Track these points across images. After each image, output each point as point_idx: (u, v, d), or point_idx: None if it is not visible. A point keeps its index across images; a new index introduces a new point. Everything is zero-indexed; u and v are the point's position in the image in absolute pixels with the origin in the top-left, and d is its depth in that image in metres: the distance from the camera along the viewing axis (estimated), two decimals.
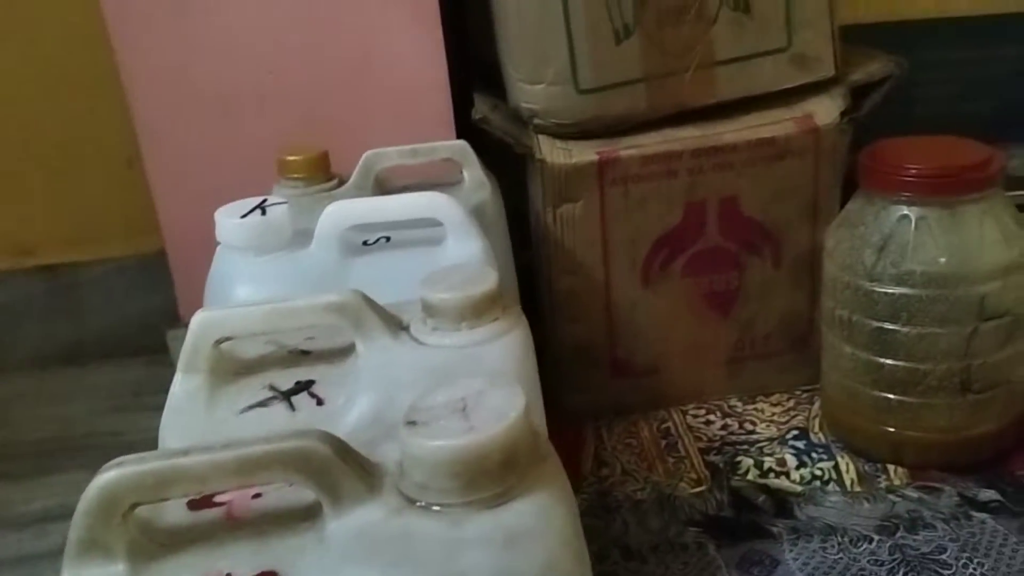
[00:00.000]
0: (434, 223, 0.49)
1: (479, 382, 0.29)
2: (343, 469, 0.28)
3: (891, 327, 0.56)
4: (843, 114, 0.62)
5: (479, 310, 0.38)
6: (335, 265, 0.49)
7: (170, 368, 0.38)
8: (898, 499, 0.54)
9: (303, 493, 0.30)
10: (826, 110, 0.62)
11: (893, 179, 0.56)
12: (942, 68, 0.82)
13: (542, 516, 0.27)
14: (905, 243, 0.55)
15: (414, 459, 0.27)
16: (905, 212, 0.55)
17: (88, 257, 0.84)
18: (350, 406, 0.36)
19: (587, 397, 0.67)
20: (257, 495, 0.31)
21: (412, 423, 0.28)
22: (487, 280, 0.38)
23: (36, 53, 0.80)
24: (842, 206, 0.61)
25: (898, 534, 0.50)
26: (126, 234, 0.82)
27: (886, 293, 0.56)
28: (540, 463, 0.29)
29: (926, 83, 0.82)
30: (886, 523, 0.51)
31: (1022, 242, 0.56)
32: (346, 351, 0.39)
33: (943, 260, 0.54)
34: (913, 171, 0.55)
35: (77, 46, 0.78)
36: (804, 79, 0.62)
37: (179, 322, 0.72)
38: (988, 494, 0.53)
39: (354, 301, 0.38)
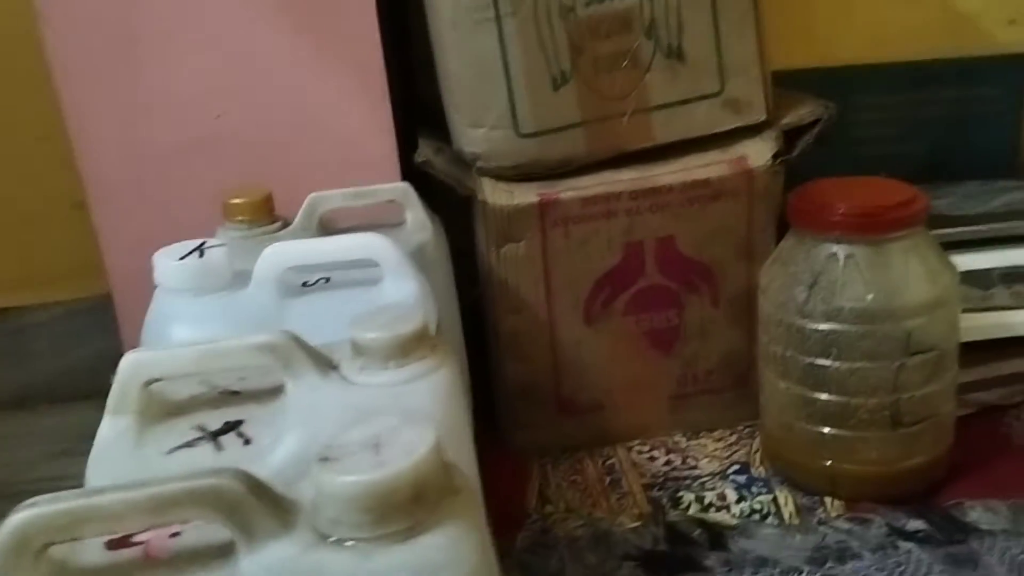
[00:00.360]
0: (373, 264, 0.50)
1: (394, 419, 0.30)
2: (256, 506, 0.28)
3: (823, 362, 0.58)
4: (775, 156, 0.64)
5: (406, 349, 0.39)
6: (273, 306, 0.49)
7: None
8: (829, 531, 0.55)
9: (220, 532, 0.30)
10: (758, 152, 0.64)
11: (821, 219, 0.58)
12: (877, 111, 0.86)
13: (452, 549, 0.28)
14: (834, 280, 0.57)
15: (326, 495, 0.28)
16: (833, 250, 0.57)
17: (35, 301, 0.84)
18: (276, 445, 0.36)
19: (533, 434, 0.68)
20: (175, 534, 0.31)
21: (325, 459, 0.29)
22: (413, 320, 0.39)
23: None
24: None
25: (827, 565, 0.51)
26: (74, 277, 0.82)
27: (817, 329, 0.57)
28: (452, 497, 0.29)
29: (863, 125, 0.85)
30: (816, 555, 0.52)
31: (945, 279, 0.58)
32: (276, 391, 0.40)
33: (870, 297, 0.56)
34: (840, 211, 0.57)
35: (23, 90, 0.79)
36: (737, 123, 0.64)
37: None
38: (916, 524, 0.55)
39: (284, 341, 0.39)
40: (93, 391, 0.82)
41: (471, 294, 0.68)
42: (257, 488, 0.29)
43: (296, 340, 0.39)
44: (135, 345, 0.49)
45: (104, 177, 0.66)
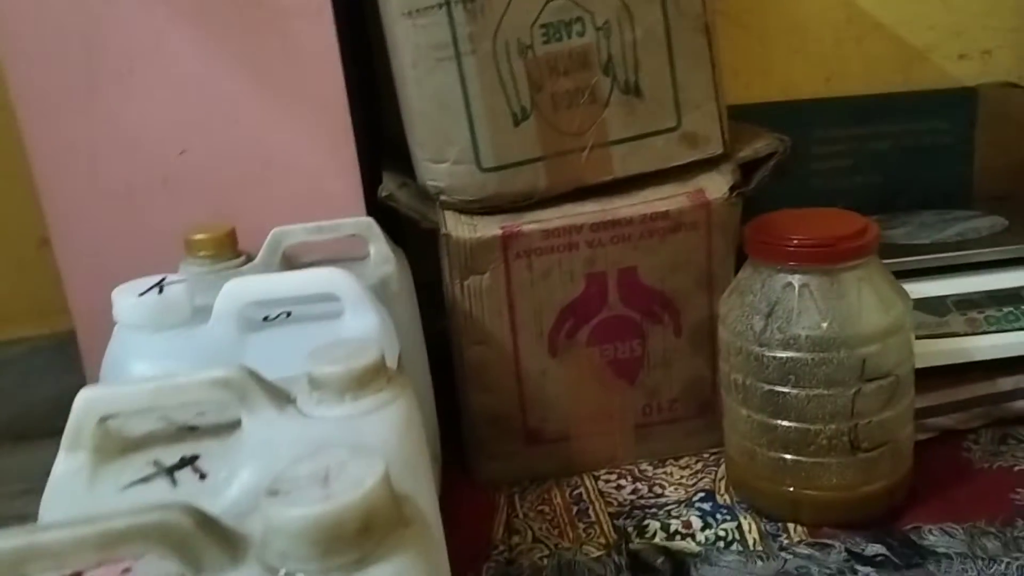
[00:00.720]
0: (334, 298, 0.51)
1: (343, 452, 0.30)
2: (204, 541, 0.28)
3: (781, 389, 0.59)
4: (732, 189, 0.65)
5: (362, 382, 0.39)
6: (233, 341, 0.50)
7: None
8: (790, 556, 0.56)
9: (171, 566, 0.30)
10: (716, 185, 0.65)
11: (776, 249, 0.59)
12: (832, 144, 0.88)
13: None
14: (790, 309, 0.58)
15: (273, 528, 0.28)
16: (789, 280, 0.58)
17: (0, 337, 0.83)
18: (231, 480, 0.36)
19: (500, 465, 0.68)
20: (127, 570, 0.31)
21: (274, 492, 0.29)
22: (369, 353, 0.40)
23: None
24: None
25: None
26: (38, 314, 0.82)
27: (775, 357, 0.58)
28: (402, 529, 0.30)
29: (819, 158, 0.87)
30: None
31: (898, 307, 0.59)
32: (233, 426, 0.40)
33: (825, 324, 0.57)
34: (795, 241, 0.58)
35: None
36: (694, 156, 0.66)
37: None
38: (875, 548, 0.55)
39: (239, 376, 0.39)
40: (55, 429, 0.82)
41: (439, 325, 0.69)
42: (205, 522, 0.29)
43: (251, 374, 0.39)
44: (99, 381, 0.49)
45: (67, 213, 0.66)
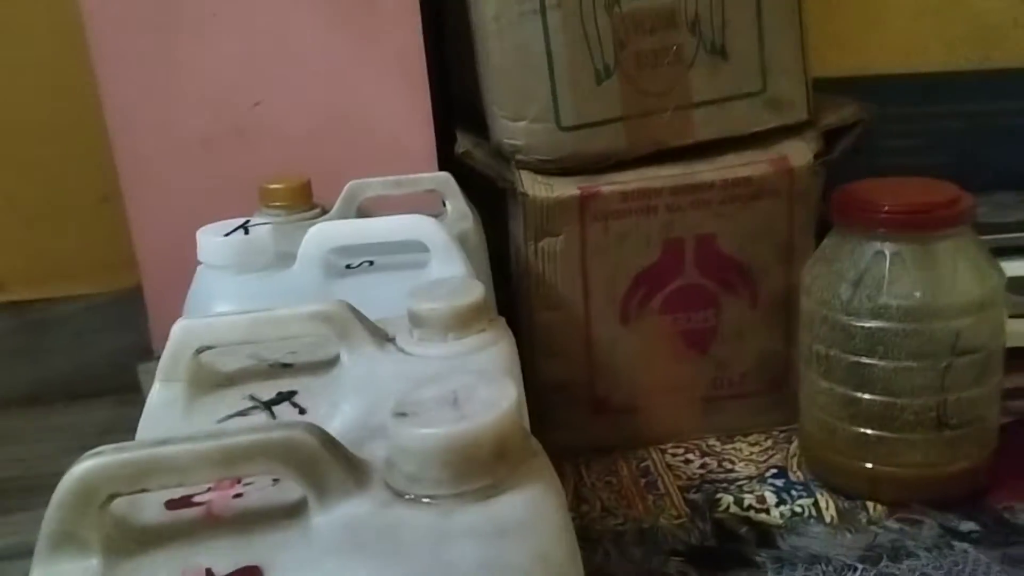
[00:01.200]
0: (417, 248, 0.49)
1: (470, 376, 0.29)
2: (330, 461, 0.27)
3: (868, 361, 0.57)
4: (816, 157, 0.63)
5: (465, 321, 0.38)
6: (317, 286, 0.49)
7: (139, 407, 0.37)
8: (880, 530, 0.54)
9: (286, 493, 0.29)
10: (800, 152, 0.63)
11: (867, 216, 0.57)
12: (907, 122, 0.85)
13: (533, 508, 0.27)
14: (880, 278, 0.56)
15: (404, 450, 0.27)
16: (880, 248, 0.56)
17: (58, 294, 0.83)
18: (333, 413, 0.35)
19: (566, 434, 0.67)
20: (238, 495, 0.30)
21: (402, 414, 0.28)
22: (474, 292, 0.38)
23: (13, 90, 0.80)
24: (816, 248, 0.63)
25: (882, 563, 0.50)
26: (97, 271, 0.81)
27: (862, 327, 0.56)
28: (531, 458, 0.28)
29: (892, 135, 0.85)
30: (869, 553, 0.51)
31: (992, 279, 0.57)
32: (330, 364, 0.39)
33: (917, 294, 0.55)
34: (887, 208, 0.56)
35: (53, 84, 0.79)
36: (778, 122, 0.64)
37: (151, 356, 0.70)
38: (968, 525, 0.53)
39: (340, 311, 0.38)
40: (113, 387, 0.82)
41: (500, 293, 0.67)
42: (330, 443, 0.28)
43: (351, 310, 0.38)
44: (165, 335, 0.48)
45: (139, 166, 0.65)
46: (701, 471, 0.64)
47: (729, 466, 0.64)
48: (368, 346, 0.38)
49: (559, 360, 0.66)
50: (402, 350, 0.38)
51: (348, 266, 0.52)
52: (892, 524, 0.54)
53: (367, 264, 0.52)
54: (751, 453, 0.66)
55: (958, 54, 0.86)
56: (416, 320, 0.38)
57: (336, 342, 0.38)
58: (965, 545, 0.51)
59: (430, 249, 0.49)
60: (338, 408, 0.35)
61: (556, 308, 0.64)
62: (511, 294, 0.66)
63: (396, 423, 0.27)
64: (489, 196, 0.65)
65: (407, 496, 0.27)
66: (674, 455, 0.67)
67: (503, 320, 0.40)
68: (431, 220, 0.49)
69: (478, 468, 0.26)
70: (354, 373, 0.37)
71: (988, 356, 0.57)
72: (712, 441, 0.68)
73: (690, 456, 0.66)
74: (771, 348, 0.67)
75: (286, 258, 0.50)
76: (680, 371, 0.67)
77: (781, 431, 0.68)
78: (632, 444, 0.67)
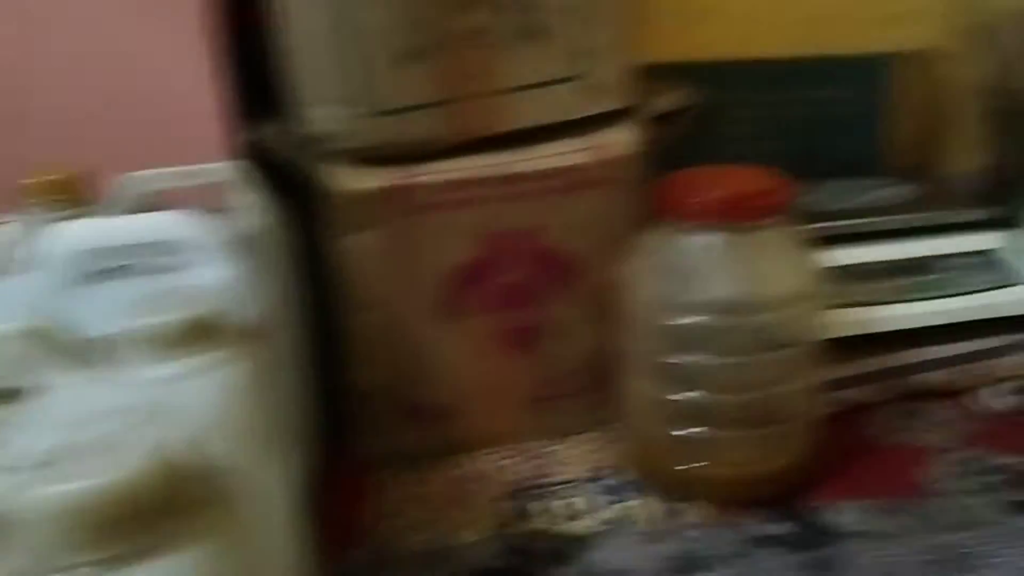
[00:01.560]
0: (178, 248, 0.44)
1: (138, 414, 0.25)
2: None
3: (682, 359, 0.55)
4: (638, 145, 0.61)
5: (187, 340, 0.33)
6: (60, 292, 0.43)
7: None
8: (684, 538, 0.52)
9: None
10: (621, 141, 0.61)
11: (681, 208, 0.55)
12: (744, 108, 0.84)
13: None
14: (693, 271, 0.54)
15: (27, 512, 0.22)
16: (691, 241, 0.54)
17: None
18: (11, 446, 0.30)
19: (381, 443, 0.63)
20: None
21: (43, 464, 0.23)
22: (198, 305, 0.34)
23: None
24: None
25: (688, 572, 0.48)
26: None
27: (676, 324, 0.54)
28: (196, 512, 0.24)
29: (727, 123, 0.84)
30: (672, 561, 0.49)
31: (808, 273, 0.56)
32: (28, 389, 0.34)
33: (730, 288, 0.54)
34: (698, 199, 0.54)
35: None
36: (597, 108, 0.61)
37: None
38: (778, 528, 0.52)
39: (36, 330, 0.33)
40: None
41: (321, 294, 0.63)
42: None
43: (51, 329, 0.33)
44: None
45: None
46: (521, 477, 0.61)
47: (550, 470, 0.62)
48: (69, 371, 0.32)
49: (373, 365, 0.62)
50: (106, 376, 0.33)
51: (104, 270, 0.46)
52: (698, 531, 0.52)
53: (126, 267, 0.46)
54: (576, 455, 0.63)
55: (798, 41, 0.85)
56: (131, 339, 0.33)
57: (32, 364, 0.32)
58: (769, 550, 0.49)
59: (186, 250, 0.43)
60: (8, 445, 0.30)
61: (369, 309, 0.60)
62: (325, 296, 0.62)
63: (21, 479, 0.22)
64: (311, 192, 0.60)
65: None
66: (496, 461, 0.63)
67: (255, 338, 0.36)
68: (190, 219, 0.44)
69: (94, 536, 0.22)
70: (50, 401, 0.32)
71: (803, 351, 0.56)
72: (538, 443, 0.65)
73: (512, 461, 0.63)
74: (598, 345, 0.65)
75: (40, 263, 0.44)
76: (504, 371, 0.64)
77: (611, 430, 0.66)
78: (452, 451, 0.64)
